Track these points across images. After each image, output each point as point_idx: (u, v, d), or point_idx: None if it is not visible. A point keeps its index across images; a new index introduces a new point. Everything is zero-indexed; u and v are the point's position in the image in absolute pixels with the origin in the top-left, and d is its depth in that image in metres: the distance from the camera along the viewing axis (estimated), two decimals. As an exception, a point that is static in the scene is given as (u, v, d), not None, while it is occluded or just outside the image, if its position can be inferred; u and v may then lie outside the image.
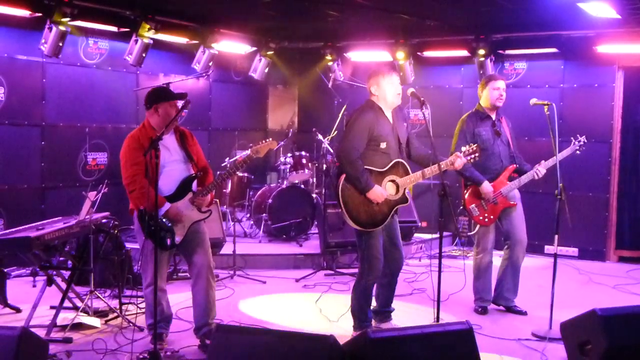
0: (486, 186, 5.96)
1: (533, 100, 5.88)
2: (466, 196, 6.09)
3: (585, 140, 6.13)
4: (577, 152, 6.12)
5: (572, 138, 6.16)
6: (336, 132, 8.86)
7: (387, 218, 5.30)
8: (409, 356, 4.21)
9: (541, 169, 6.01)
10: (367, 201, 5.22)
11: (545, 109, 5.67)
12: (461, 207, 6.26)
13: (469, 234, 6.17)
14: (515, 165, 6.10)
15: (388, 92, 5.33)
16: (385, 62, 9.70)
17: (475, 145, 5.47)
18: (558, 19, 8.08)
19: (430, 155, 5.36)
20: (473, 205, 6.06)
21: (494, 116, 6.13)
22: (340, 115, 8.60)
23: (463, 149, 5.41)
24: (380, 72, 5.38)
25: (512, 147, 6.17)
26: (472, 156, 5.39)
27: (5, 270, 6.32)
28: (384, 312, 5.68)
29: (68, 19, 7.47)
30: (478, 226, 6.20)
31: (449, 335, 4.38)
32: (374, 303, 5.65)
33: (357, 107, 5.45)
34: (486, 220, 6.07)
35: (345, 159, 5.22)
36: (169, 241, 4.94)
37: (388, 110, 5.41)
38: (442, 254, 5.14)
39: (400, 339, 4.26)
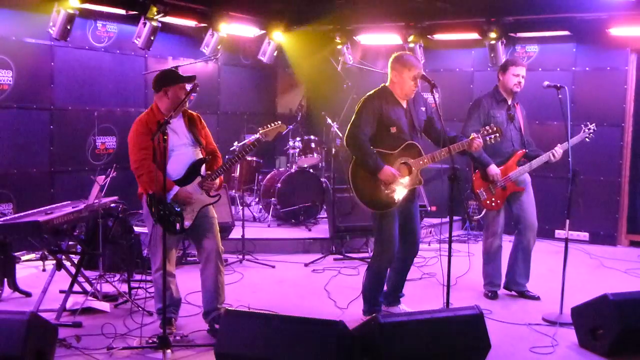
0: (493, 168, 5.90)
1: (546, 83, 5.82)
2: (475, 180, 6.05)
3: (595, 128, 6.07)
4: (587, 139, 6.06)
5: (582, 125, 6.10)
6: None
7: (399, 199, 5.26)
8: (419, 341, 4.20)
9: (558, 150, 5.93)
10: (378, 184, 5.19)
11: (558, 93, 5.61)
12: (468, 191, 6.21)
13: (476, 217, 6.12)
14: (524, 150, 6.04)
15: (405, 86, 5.26)
16: (397, 45, 9.61)
17: (496, 126, 5.39)
18: (570, 2, 7.97)
19: (447, 138, 5.29)
20: (481, 189, 6.02)
21: (510, 101, 6.07)
22: (349, 99, 8.54)
23: (483, 130, 5.34)
24: (407, 65, 5.24)
25: (524, 133, 6.12)
26: (493, 136, 5.31)
27: (15, 254, 6.33)
28: (394, 296, 5.66)
29: (76, 1, 7.43)
30: (484, 210, 6.16)
31: (459, 320, 4.38)
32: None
33: (370, 92, 5.39)
34: (493, 204, 6.02)
35: (352, 142, 5.21)
36: (178, 226, 4.92)
37: (402, 98, 5.35)
38: (452, 238, 5.10)
39: (410, 323, 4.26)
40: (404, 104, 5.34)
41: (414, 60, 5.33)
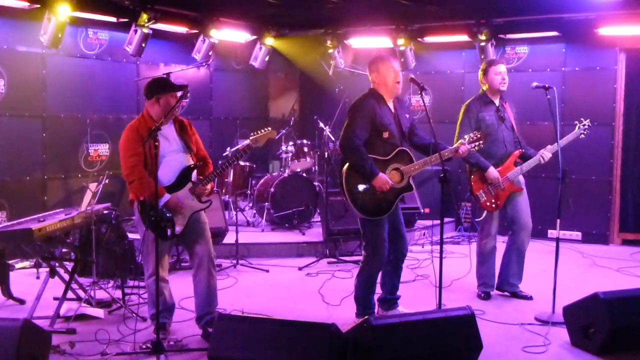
0: (492, 171, 5.93)
1: (534, 84, 5.85)
2: (473, 182, 6.06)
3: (590, 124, 6.10)
4: (582, 136, 6.09)
5: (576, 122, 6.13)
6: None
7: (392, 206, 5.28)
8: (411, 342, 4.22)
9: (546, 153, 5.98)
10: (372, 190, 5.19)
11: (546, 93, 5.65)
12: (468, 194, 6.22)
13: (476, 220, 6.14)
14: (521, 150, 6.07)
15: (388, 78, 5.30)
16: (386, 48, 9.66)
17: (480, 132, 5.44)
18: (559, 2, 8.02)
19: (433, 144, 5.33)
20: (480, 192, 6.03)
21: (497, 101, 6.11)
22: (342, 102, 8.59)
23: (466, 136, 5.39)
24: (380, 59, 5.35)
25: (516, 132, 6.15)
26: (477, 143, 5.36)
27: (9, 262, 6.33)
28: (390, 299, 5.66)
29: (67, 9, 7.44)
30: (485, 212, 6.17)
31: (451, 321, 4.41)
32: (379, 290, 5.64)
33: (359, 96, 5.42)
34: (493, 205, 6.04)
35: (348, 147, 5.20)
36: (169, 231, 4.94)
37: (389, 97, 5.38)
38: (446, 239, 5.12)
39: (402, 325, 4.28)
40: (392, 108, 5.37)
41: (383, 53, 5.45)
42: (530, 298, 6.16)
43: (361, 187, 5.19)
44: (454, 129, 6.09)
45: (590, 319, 4.84)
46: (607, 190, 8.81)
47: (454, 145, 5.33)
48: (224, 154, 9.00)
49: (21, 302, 6.04)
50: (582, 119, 6.13)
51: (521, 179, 6.17)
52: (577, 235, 8.89)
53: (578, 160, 8.49)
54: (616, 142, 8.75)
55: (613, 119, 8.72)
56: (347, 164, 5.26)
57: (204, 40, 9.20)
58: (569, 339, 5.06)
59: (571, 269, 7.32)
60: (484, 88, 6.14)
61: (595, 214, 8.84)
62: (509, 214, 6.14)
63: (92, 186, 5.70)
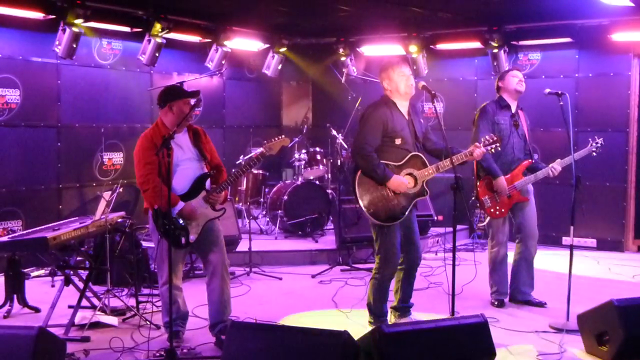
0: (501, 181, 5.91)
1: (547, 91, 5.84)
2: (479, 187, 6.05)
3: (603, 143, 6.07)
4: (594, 153, 6.06)
5: (589, 139, 6.11)
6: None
7: (406, 211, 5.27)
8: (423, 350, 4.20)
9: (556, 167, 5.96)
10: (385, 195, 5.20)
11: (559, 100, 5.63)
12: (473, 198, 6.22)
13: (480, 225, 6.13)
14: (531, 161, 6.06)
15: (400, 84, 5.29)
16: (398, 55, 9.66)
17: (496, 135, 5.44)
18: (571, 8, 8.01)
19: (447, 148, 5.32)
20: (486, 197, 6.03)
21: (514, 108, 6.10)
22: (354, 110, 8.60)
23: (482, 138, 5.38)
24: (390, 65, 5.35)
25: (528, 142, 6.13)
26: (493, 146, 5.35)
27: (24, 270, 6.38)
28: (404, 307, 5.64)
29: (81, 20, 7.52)
30: (488, 218, 6.17)
31: (464, 329, 4.38)
32: (392, 298, 5.63)
33: (371, 103, 5.43)
34: (497, 212, 6.03)
35: (359, 154, 5.21)
36: (183, 240, 4.96)
37: (404, 103, 5.37)
38: (459, 247, 5.11)
39: (415, 333, 4.26)
40: (406, 115, 5.37)
41: (393, 60, 5.45)
42: (544, 304, 6.13)
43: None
44: (467, 136, 6.09)
45: (604, 326, 4.80)
46: (622, 197, 8.75)
47: (469, 149, 5.31)
48: (237, 162, 9.02)
49: (36, 310, 6.08)
50: (595, 137, 6.10)
51: (530, 188, 6.15)
52: (591, 242, 8.83)
53: (592, 167, 8.44)
54: (630, 148, 8.70)
55: (627, 125, 8.67)
56: (359, 171, 5.27)
57: (217, 49, 9.26)
58: (583, 346, 5.02)
59: (586, 277, 7.27)
60: (501, 94, 6.14)
61: (610, 220, 8.79)
62: (517, 221, 6.15)
63: (107, 195, 5.74)
